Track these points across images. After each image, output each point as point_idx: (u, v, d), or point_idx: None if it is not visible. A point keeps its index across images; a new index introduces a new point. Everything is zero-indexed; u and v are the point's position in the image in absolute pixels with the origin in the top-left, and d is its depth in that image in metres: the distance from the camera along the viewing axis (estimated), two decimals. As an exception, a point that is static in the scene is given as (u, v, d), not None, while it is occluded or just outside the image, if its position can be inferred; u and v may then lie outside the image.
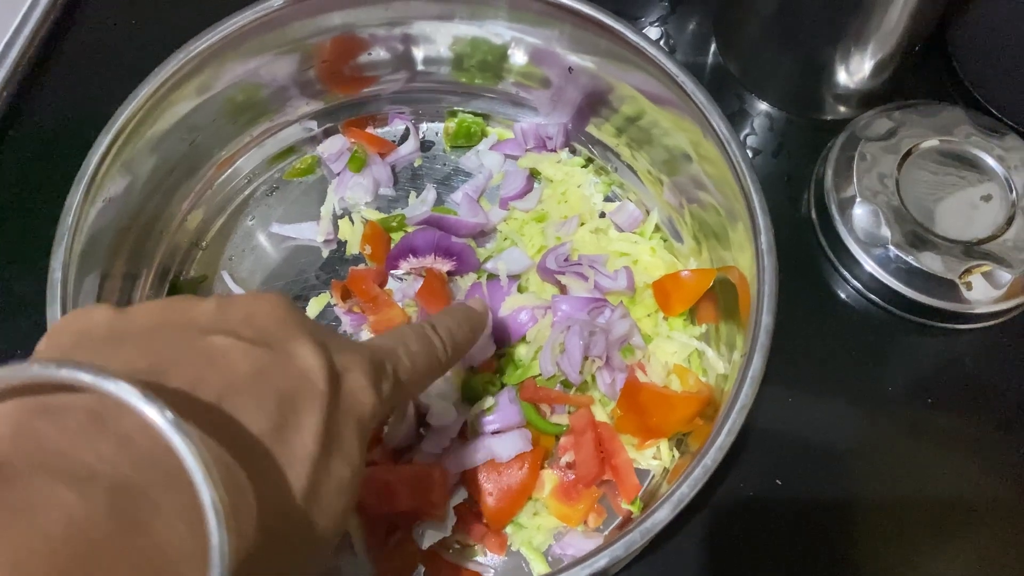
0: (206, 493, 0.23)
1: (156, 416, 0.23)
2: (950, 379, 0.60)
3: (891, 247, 0.59)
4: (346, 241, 0.62)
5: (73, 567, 0.21)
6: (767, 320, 0.45)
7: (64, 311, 0.46)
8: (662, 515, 0.41)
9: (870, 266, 0.61)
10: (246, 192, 0.63)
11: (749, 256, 0.50)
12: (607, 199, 0.64)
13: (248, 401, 0.28)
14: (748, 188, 0.48)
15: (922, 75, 0.69)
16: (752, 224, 0.48)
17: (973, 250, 0.59)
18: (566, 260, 0.58)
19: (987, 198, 0.61)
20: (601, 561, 0.40)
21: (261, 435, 0.27)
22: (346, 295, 0.59)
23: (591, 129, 0.63)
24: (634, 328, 0.55)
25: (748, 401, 0.43)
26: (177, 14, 0.71)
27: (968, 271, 0.59)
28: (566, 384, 0.55)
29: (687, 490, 0.42)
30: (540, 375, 0.55)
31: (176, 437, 0.23)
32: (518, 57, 0.62)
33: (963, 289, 0.59)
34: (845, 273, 0.63)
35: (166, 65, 0.52)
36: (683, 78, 0.52)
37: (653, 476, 0.55)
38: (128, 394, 0.23)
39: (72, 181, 0.50)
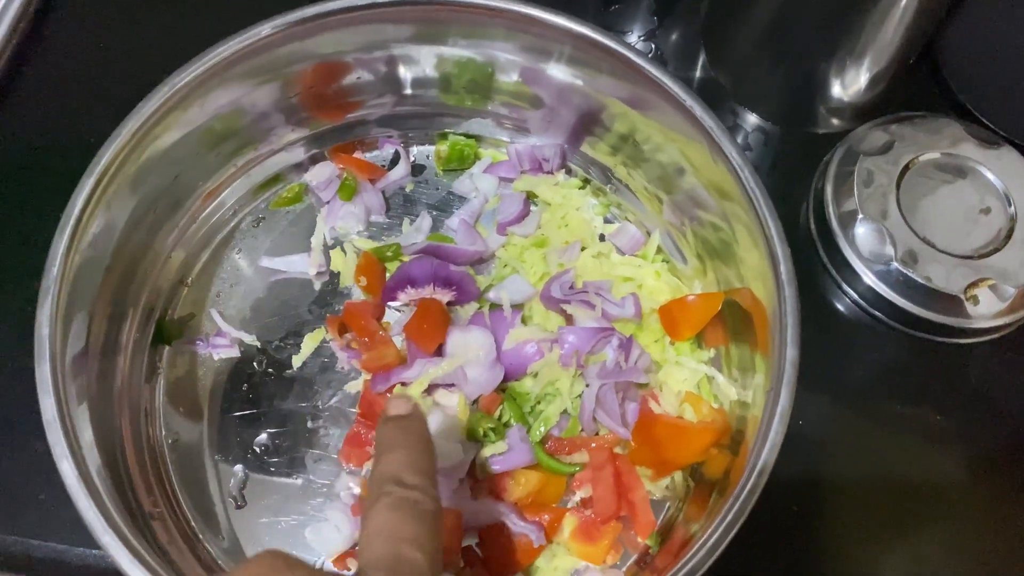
0: None
1: None
2: (956, 393, 0.60)
3: (896, 264, 0.59)
4: (339, 272, 0.60)
5: None
6: (792, 353, 0.44)
7: (53, 368, 0.43)
8: (698, 563, 0.40)
9: (872, 281, 0.60)
10: (231, 224, 0.61)
11: (763, 280, 0.49)
12: (606, 220, 0.62)
13: None
14: (764, 218, 0.47)
15: (914, 86, 0.68)
16: (770, 254, 0.47)
17: (975, 264, 0.59)
18: (571, 288, 0.56)
19: (986, 211, 0.61)
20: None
21: None
22: (343, 330, 0.57)
23: (585, 149, 0.62)
24: (651, 362, 0.54)
25: (778, 439, 0.42)
26: (146, 39, 0.68)
27: (974, 284, 0.58)
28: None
29: (722, 535, 0.40)
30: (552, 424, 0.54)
31: None
32: (507, 76, 0.60)
33: (968, 304, 0.58)
34: (847, 288, 0.62)
35: (150, 99, 0.49)
36: (691, 102, 0.51)
37: (668, 508, 0.54)
38: None
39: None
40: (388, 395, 0.44)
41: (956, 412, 0.59)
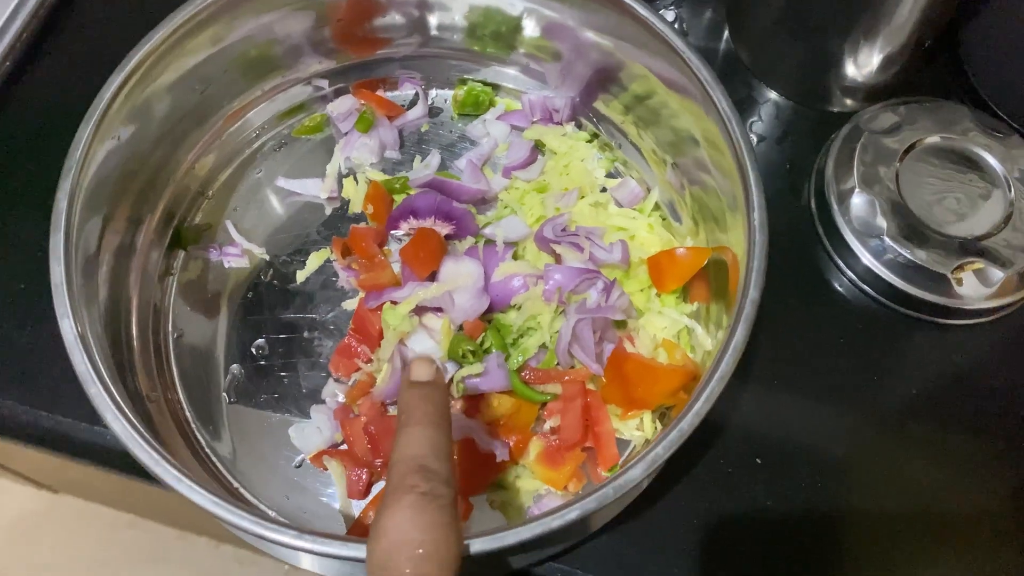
0: None
1: None
2: (937, 373, 0.61)
3: (886, 238, 0.60)
4: (349, 200, 0.63)
5: None
6: (754, 294, 0.46)
7: (68, 240, 0.47)
8: (635, 474, 0.42)
9: (865, 257, 0.61)
10: (254, 145, 0.64)
11: (743, 235, 0.50)
12: (609, 175, 0.64)
13: None
14: (744, 162, 0.49)
15: (930, 72, 0.69)
16: (746, 199, 0.48)
17: (968, 246, 0.60)
18: (563, 230, 0.59)
19: (985, 196, 0.62)
20: (573, 513, 0.41)
21: None
22: (346, 252, 0.60)
23: (599, 105, 0.64)
24: (630, 306, 0.56)
25: (728, 370, 0.44)
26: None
27: (960, 267, 0.59)
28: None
29: (662, 451, 0.43)
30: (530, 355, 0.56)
31: None
32: (531, 29, 0.62)
33: (954, 284, 0.59)
34: (840, 263, 0.63)
35: (181, 11, 0.52)
36: (688, 54, 0.52)
37: (634, 447, 0.56)
38: None
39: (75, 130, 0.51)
40: (412, 359, 0.44)
41: (934, 390, 0.60)
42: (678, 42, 0.53)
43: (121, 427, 0.42)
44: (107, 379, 0.44)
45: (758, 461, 0.57)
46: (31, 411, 0.56)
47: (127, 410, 0.43)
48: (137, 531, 1.36)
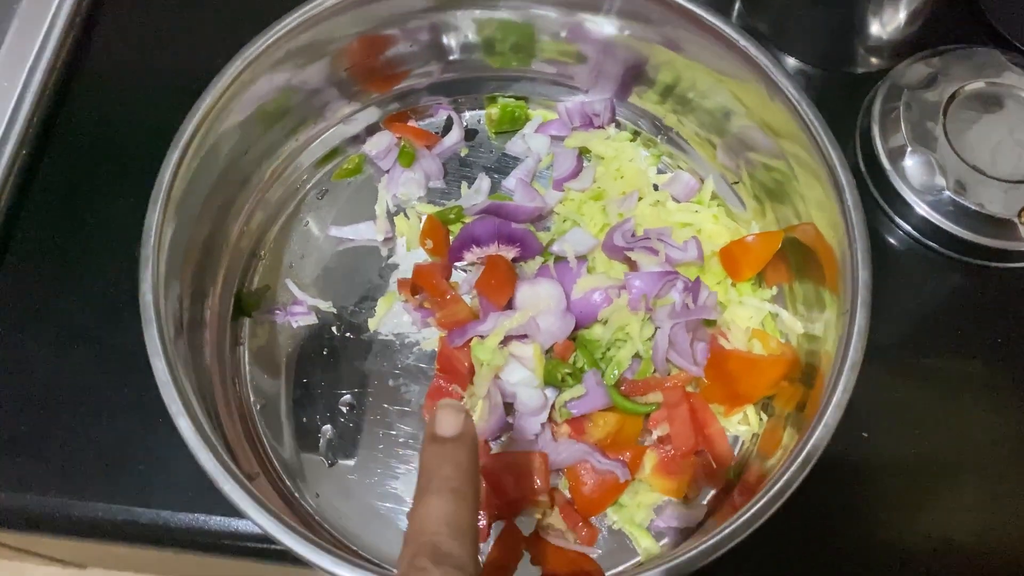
0: None
1: None
2: (1015, 317, 0.61)
3: (947, 192, 0.60)
4: (404, 237, 0.62)
5: None
6: (864, 275, 0.46)
7: (161, 333, 0.45)
8: (790, 476, 0.42)
9: (926, 212, 0.61)
10: (297, 198, 0.63)
11: (827, 211, 0.50)
12: (658, 171, 0.64)
13: None
14: (826, 148, 0.49)
15: (950, 21, 0.69)
16: (835, 182, 0.48)
17: (1026, 187, 0.60)
18: (633, 236, 0.58)
19: (1034, 135, 0.62)
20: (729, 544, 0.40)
21: None
22: (414, 290, 0.59)
23: (635, 100, 0.63)
24: (717, 302, 0.55)
25: (859, 357, 0.44)
26: (200, 26, 0.70)
27: (1025, 209, 0.59)
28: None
29: (812, 450, 0.42)
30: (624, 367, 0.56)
31: None
32: (549, 35, 0.61)
33: (1021, 228, 0.59)
34: (899, 220, 0.63)
35: (221, 77, 0.51)
36: (744, 43, 0.52)
37: (743, 442, 0.56)
38: None
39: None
40: (437, 403, 0.38)
41: (1015, 334, 0.60)
42: (741, 40, 0.52)
43: (267, 520, 0.41)
44: (235, 471, 0.42)
45: (864, 435, 0.57)
46: (124, 508, 0.54)
47: (264, 502, 0.41)
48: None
